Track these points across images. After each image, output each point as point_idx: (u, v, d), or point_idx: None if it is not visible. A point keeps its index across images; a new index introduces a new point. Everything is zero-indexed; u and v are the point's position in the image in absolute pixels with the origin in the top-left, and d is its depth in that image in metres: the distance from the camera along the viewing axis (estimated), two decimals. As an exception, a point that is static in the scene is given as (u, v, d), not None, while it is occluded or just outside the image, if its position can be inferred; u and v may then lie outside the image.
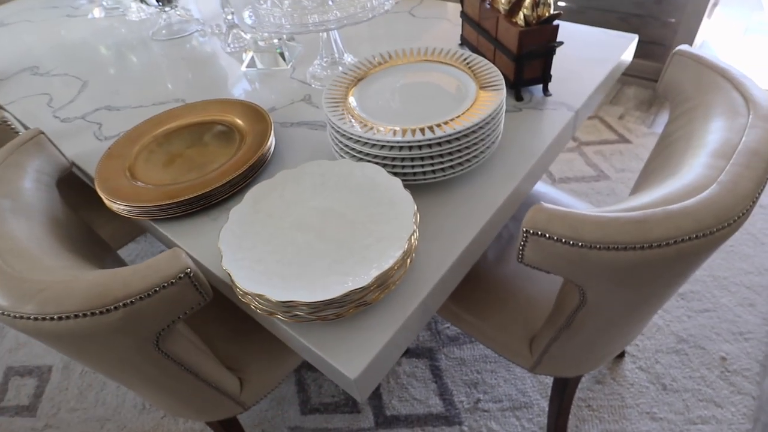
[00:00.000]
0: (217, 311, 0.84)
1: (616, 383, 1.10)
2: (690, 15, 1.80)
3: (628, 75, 2.06)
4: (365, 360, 0.47)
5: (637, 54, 2.02)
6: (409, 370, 1.18)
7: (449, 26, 1.04)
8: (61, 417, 1.17)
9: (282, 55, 0.98)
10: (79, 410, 1.18)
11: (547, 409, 1.07)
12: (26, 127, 0.92)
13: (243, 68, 0.99)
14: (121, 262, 0.84)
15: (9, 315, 0.47)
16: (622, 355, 1.15)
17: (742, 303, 1.23)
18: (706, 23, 1.93)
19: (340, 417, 1.10)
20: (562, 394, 0.89)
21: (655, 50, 1.99)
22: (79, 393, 1.22)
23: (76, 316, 0.46)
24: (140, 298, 0.47)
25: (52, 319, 0.46)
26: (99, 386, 1.23)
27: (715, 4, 2.01)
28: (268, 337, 0.80)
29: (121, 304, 0.46)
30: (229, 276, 0.49)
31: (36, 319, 0.46)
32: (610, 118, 1.88)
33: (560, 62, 0.87)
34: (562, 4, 2.09)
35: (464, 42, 0.93)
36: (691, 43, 1.87)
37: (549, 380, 1.13)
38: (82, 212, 1.06)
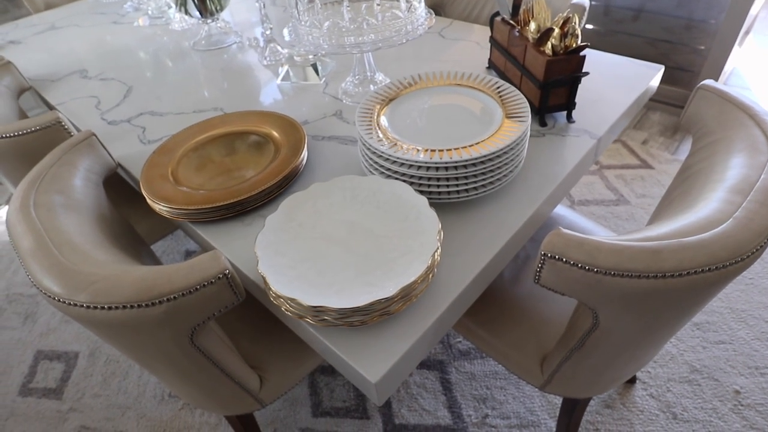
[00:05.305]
0: (243, 311, 0.88)
1: (625, 409, 1.10)
2: (720, 42, 1.80)
3: (654, 100, 2.06)
4: (386, 366, 0.50)
5: (664, 80, 2.02)
6: (420, 381, 1.20)
7: (477, 49, 1.08)
8: (85, 402, 1.23)
9: (316, 70, 1.03)
10: (102, 396, 1.24)
11: (554, 429, 1.08)
12: (77, 128, 0.98)
13: (278, 81, 1.04)
14: (154, 257, 0.89)
15: (64, 302, 0.51)
16: (633, 381, 1.15)
17: (759, 337, 1.22)
18: (736, 51, 1.92)
19: (350, 422, 1.13)
20: (570, 415, 0.90)
21: (682, 76, 1.99)
22: (103, 380, 1.27)
23: (124, 307, 0.50)
24: (182, 294, 0.51)
25: (102, 308, 0.50)
26: (122, 375, 1.28)
27: (746, 32, 2.00)
28: (289, 339, 0.84)
29: (165, 299, 0.50)
30: (264, 279, 0.53)
31: (88, 307, 0.50)
32: (634, 142, 1.88)
33: (585, 90, 0.89)
34: (590, 27, 2.11)
35: (491, 66, 0.96)
36: (720, 71, 1.86)
37: (558, 400, 1.14)
38: (121, 209, 1.13)
